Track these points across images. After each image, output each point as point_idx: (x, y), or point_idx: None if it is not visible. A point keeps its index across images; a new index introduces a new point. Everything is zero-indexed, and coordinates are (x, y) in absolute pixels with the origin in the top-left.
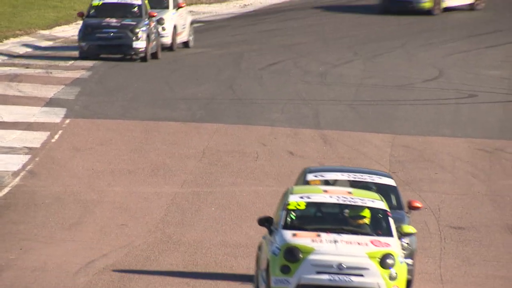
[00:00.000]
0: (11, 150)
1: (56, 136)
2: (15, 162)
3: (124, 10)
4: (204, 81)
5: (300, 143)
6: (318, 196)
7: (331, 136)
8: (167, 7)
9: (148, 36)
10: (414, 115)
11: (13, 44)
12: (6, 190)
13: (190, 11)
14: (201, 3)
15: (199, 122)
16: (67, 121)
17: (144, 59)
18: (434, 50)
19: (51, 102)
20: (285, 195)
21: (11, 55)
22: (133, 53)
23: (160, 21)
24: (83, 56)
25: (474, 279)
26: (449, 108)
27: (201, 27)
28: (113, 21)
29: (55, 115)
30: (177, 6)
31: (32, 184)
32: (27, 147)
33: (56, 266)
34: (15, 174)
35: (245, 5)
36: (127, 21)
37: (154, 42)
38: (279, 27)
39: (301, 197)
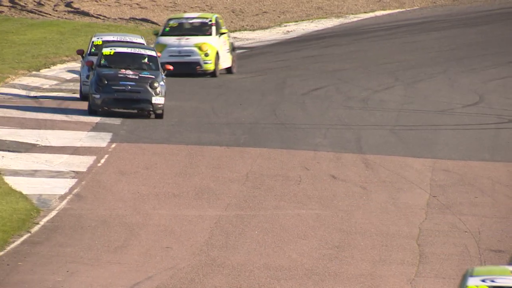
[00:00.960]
0: (58, 174)
1: (102, 160)
2: (62, 185)
3: (139, 61)
4: (248, 106)
5: (342, 167)
6: (505, 279)
7: (373, 161)
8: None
9: (165, 92)
10: (455, 139)
11: (60, 70)
12: (53, 213)
13: (234, 37)
14: (245, 29)
15: (243, 146)
16: (113, 145)
17: (160, 116)
18: (475, 76)
19: (97, 127)
20: (464, 277)
21: (59, 81)
22: (151, 109)
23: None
24: (93, 110)
25: None
26: (489, 133)
27: (245, 53)
28: (129, 73)
29: (101, 140)
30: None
31: (79, 207)
32: (74, 171)
33: None
34: (62, 197)
35: (288, 31)
36: (144, 74)
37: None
38: (321, 53)
39: (483, 280)
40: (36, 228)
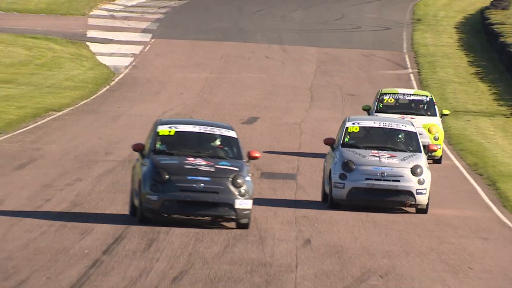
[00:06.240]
0: (124, 55)
1: (147, 48)
2: (126, 60)
3: (207, 144)
4: None
5: None
6: None
7: None
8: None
9: (252, 191)
10: None
11: None
12: (121, 75)
13: None
14: None
15: None
16: (153, 40)
17: (245, 226)
18: None
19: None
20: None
21: None
22: (233, 216)
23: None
24: (145, 217)
25: None
26: None
27: None
28: (201, 163)
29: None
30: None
31: (135, 73)
32: (132, 54)
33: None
34: (126, 67)
35: None
36: (223, 165)
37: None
38: None
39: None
40: (112, 83)
